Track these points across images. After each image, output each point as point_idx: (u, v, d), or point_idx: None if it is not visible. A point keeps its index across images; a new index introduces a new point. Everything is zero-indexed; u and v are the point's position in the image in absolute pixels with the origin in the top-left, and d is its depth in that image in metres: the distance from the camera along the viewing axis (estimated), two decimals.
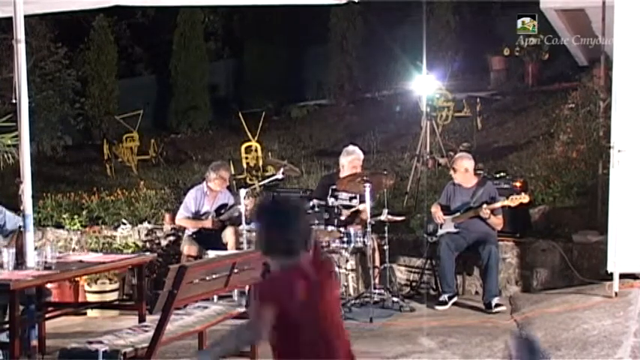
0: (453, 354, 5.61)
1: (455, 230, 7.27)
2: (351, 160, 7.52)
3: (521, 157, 10.48)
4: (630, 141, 6.39)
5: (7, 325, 4.91)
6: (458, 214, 7.32)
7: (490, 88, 14.08)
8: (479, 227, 7.22)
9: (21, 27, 5.28)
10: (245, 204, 7.26)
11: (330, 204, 7.20)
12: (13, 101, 5.24)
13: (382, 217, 7.14)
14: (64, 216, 9.10)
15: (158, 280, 7.56)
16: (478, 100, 12.48)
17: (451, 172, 7.52)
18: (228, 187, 8.07)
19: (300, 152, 12.41)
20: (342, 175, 7.52)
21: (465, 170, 7.39)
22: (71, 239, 8.77)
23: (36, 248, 5.37)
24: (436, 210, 7.42)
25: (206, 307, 5.29)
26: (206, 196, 7.75)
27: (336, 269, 7.02)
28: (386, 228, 7.18)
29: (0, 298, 5.05)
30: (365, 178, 7.08)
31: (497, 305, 6.87)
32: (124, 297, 8.01)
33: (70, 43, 14.07)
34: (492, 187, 7.40)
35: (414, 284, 7.83)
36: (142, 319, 5.72)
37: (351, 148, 7.74)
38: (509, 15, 12.62)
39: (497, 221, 7.23)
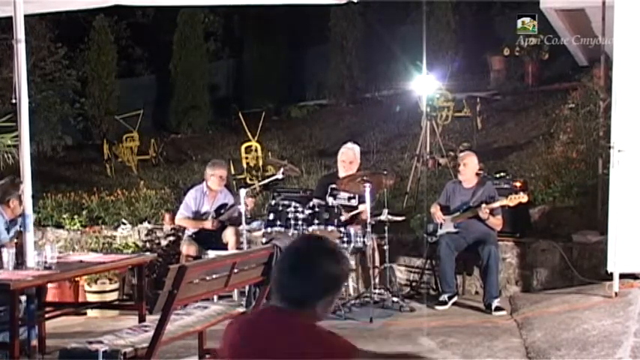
0: (453, 354, 5.61)
1: (455, 230, 7.27)
2: (343, 152, 7.56)
3: (521, 157, 10.48)
4: (630, 141, 6.39)
5: (7, 325, 4.91)
6: (457, 213, 7.32)
7: (490, 88, 14.08)
8: (479, 227, 7.21)
9: (21, 27, 5.29)
10: (245, 204, 7.26)
11: (330, 204, 7.20)
12: (13, 101, 5.25)
13: (382, 217, 7.14)
14: (64, 216, 9.11)
15: (158, 280, 7.56)
16: (478, 100, 12.49)
17: (461, 167, 7.48)
18: (228, 187, 8.07)
19: (300, 152, 12.41)
20: (339, 173, 7.53)
21: (474, 166, 7.41)
22: (71, 239, 8.77)
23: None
24: (435, 210, 7.43)
25: (206, 307, 5.28)
26: (206, 196, 7.75)
27: None
28: (386, 228, 7.18)
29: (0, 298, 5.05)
30: (365, 178, 7.08)
31: (497, 309, 6.86)
32: (124, 297, 8.01)
33: (70, 43, 14.08)
34: (492, 188, 7.40)
35: (414, 284, 7.83)
36: (142, 319, 5.73)
37: (348, 144, 7.76)
38: (509, 15, 12.65)
39: (497, 222, 7.23)
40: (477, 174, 7.63)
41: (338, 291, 2.51)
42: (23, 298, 5.16)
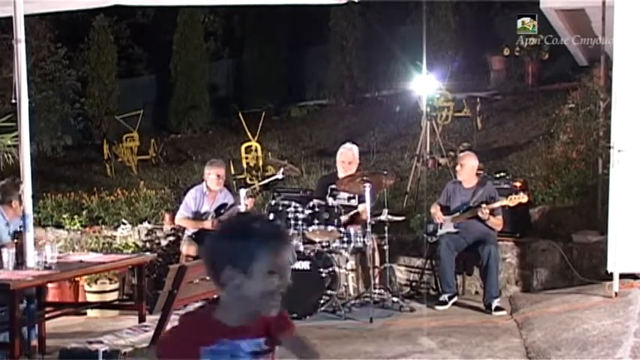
0: (453, 354, 5.61)
1: (455, 230, 7.27)
2: (342, 152, 7.58)
3: (521, 157, 10.48)
4: (630, 141, 6.39)
5: (7, 325, 4.91)
6: (457, 214, 7.32)
7: (490, 88, 14.09)
8: (479, 227, 7.21)
9: (21, 27, 5.29)
10: (245, 204, 7.25)
11: (330, 204, 7.20)
12: (13, 101, 5.25)
13: (382, 217, 7.14)
14: (64, 216, 9.11)
15: (158, 280, 7.56)
16: (478, 100, 12.49)
17: (457, 167, 7.50)
18: (228, 187, 8.07)
19: (300, 152, 12.41)
20: (339, 174, 7.53)
21: (471, 168, 7.41)
22: (71, 239, 8.77)
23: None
24: (435, 210, 7.42)
25: None
26: (205, 196, 7.75)
27: (337, 269, 7.03)
28: (386, 228, 7.18)
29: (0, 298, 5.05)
30: (365, 178, 7.08)
31: (497, 309, 6.85)
32: (124, 297, 8.01)
33: (70, 43, 14.09)
34: (492, 188, 7.39)
35: (414, 284, 7.83)
36: (142, 319, 5.73)
37: (346, 145, 7.76)
38: (509, 15, 12.65)
39: (497, 222, 7.22)
40: (477, 174, 7.63)
41: (245, 258, 2.05)
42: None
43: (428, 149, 9.61)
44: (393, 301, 7.09)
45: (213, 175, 7.68)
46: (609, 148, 6.54)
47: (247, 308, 2.11)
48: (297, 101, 15.97)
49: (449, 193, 7.50)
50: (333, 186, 7.39)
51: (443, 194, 7.58)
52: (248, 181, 10.37)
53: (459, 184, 7.49)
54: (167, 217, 8.67)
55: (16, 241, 5.83)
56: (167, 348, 2.10)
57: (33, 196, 5.38)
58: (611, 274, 6.42)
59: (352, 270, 7.62)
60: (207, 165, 7.86)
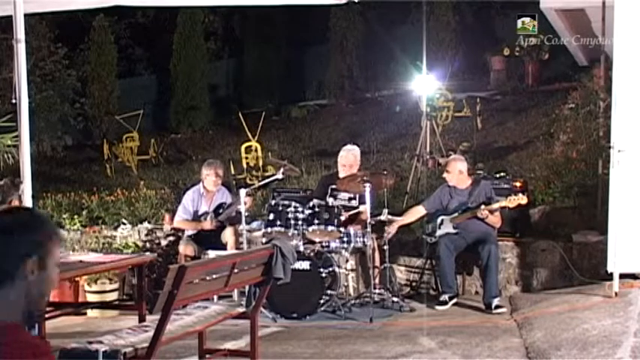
0: (453, 354, 5.60)
1: (454, 231, 7.26)
2: (342, 155, 7.58)
3: (521, 157, 10.49)
4: (630, 141, 6.38)
5: None
6: (456, 214, 7.31)
7: (490, 88, 14.11)
8: (478, 227, 7.20)
9: (21, 27, 5.29)
10: (245, 203, 7.25)
11: (330, 204, 7.20)
12: (13, 101, 5.25)
13: (382, 217, 7.14)
14: (64, 216, 9.11)
15: (158, 280, 7.55)
16: (478, 100, 12.50)
17: (444, 174, 7.51)
18: (227, 186, 8.07)
19: (300, 152, 12.42)
20: (340, 173, 7.53)
21: (459, 172, 7.39)
22: (71, 239, 8.77)
23: None
24: (412, 211, 7.49)
25: (206, 307, 5.28)
26: (203, 197, 7.75)
27: (337, 269, 7.03)
28: (386, 228, 7.18)
29: None
30: (365, 178, 7.07)
31: (497, 307, 6.85)
32: (124, 297, 8.01)
33: (70, 43, 14.10)
34: (488, 186, 7.38)
35: (414, 284, 7.83)
36: (142, 319, 5.72)
37: (347, 146, 7.76)
38: (509, 15, 12.67)
39: (495, 219, 7.21)
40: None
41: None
42: None
43: (428, 149, 9.62)
44: (393, 301, 7.08)
45: (211, 175, 7.69)
46: (609, 148, 6.54)
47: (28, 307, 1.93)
48: (297, 101, 15.98)
49: (445, 197, 7.45)
50: (334, 186, 7.39)
51: (436, 198, 7.44)
52: (248, 181, 10.37)
53: (453, 187, 7.47)
54: (167, 217, 8.66)
55: None
56: None
57: (33, 196, 5.38)
58: (611, 274, 6.42)
59: (352, 270, 7.62)
60: (204, 165, 7.88)
